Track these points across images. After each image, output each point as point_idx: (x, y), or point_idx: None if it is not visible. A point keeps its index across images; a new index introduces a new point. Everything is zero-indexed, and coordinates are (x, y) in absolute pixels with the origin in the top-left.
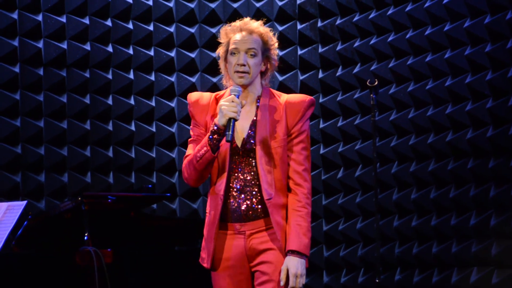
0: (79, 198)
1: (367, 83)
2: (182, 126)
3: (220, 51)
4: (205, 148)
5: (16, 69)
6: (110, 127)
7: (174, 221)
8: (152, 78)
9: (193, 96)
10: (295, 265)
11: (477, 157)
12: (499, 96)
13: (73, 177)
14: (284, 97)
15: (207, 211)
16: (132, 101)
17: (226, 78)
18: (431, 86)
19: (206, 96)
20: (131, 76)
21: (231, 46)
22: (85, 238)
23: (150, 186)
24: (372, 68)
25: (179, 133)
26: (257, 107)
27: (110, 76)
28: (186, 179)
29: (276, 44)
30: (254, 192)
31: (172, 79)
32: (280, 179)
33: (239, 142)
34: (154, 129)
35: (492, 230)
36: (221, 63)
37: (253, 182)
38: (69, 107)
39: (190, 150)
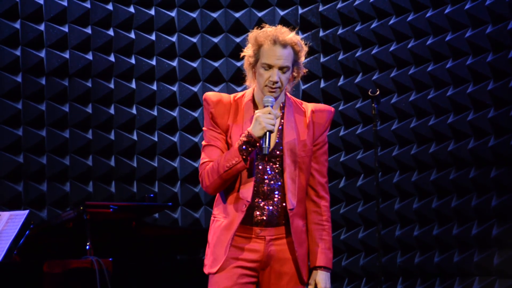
0: (81, 208)
1: (369, 92)
2: (184, 135)
3: (249, 54)
4: (236, 159)
5: (19, 79)
6: (112, 137)
7: (176, 230)
8: (154, 87)
9: (213, 96)
10: (324, 280)
11: (479, 166)
12: (500, 106)
13: (75, 186)
14: (307, 106)
15: (218, 216)
16: (134, 111)
17: (250, 80)
18: (433, 95)
19: (226, 98)
20: (133, 85)
21: (264, 60)
22: (87, 247)
23: (152, 195)
24: (374, 77)
25: (181, 143)
26: (282, 114)
27: (112, 86)
28: (207, 187)
29: (305, 52)
30: (277, 199)
31: (174, 88)
32: (303, 189)
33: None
34: (156, 139)
35: (494, 239)
36: (249, 69)
37: (277, 189)
38: (71, 116)
39: (209, 155)
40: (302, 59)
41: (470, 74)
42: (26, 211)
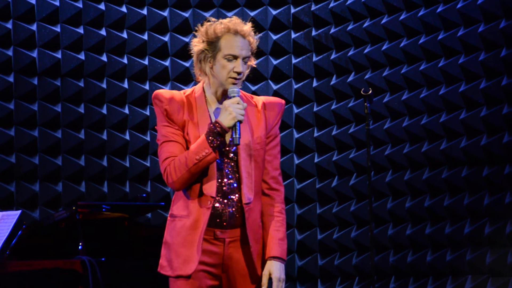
0: (74, 208)
1: (361, 91)
2: None
3: (203, 47)
4: (206, 151)
5: (10, 79)
6: (104, 137)
7: None
8: (147, 87)
9: (165, 93)
10: (278, 270)
11: (471, 165)
12: (493, 105)
13: (67, 186)
14: (257, 99)
15: (179, 215)
16: (126, 111)
17: (203, 74)
18: (425, 94)
19: (177, 94)
20: (126, 85)
21: (228, 51)
22: (80, 247)
23: (144, 195)
24: (366, 77)
25: None
26: None
27: (104, 86)
28: (174, 183)
29: (256, 44)
30: (236, 198)
31: (167, 88)
32: (259, 183)
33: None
34: (148, 139)
35: (487, 238)
36: (204, 62)
37: (235, 186)
38: (63, 116)
39: (171, 151)
40: (254, 51)
41: (463, 73)
42: (19, 212)
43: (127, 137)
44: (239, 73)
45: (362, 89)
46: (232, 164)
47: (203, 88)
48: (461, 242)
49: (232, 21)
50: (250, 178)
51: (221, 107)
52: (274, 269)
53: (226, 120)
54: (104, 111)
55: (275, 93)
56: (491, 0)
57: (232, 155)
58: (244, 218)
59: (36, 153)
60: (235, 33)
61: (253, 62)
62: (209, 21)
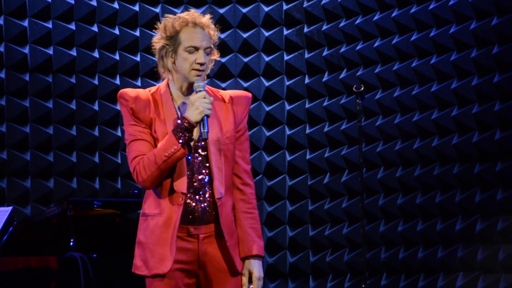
0: (65, 204)
1: (353, 88)
2: None
3: (164, 43)
4: (175, 147)
5: (2, 75)
6: (96, 133)
7: None
8: (139, 83)
9: (130, 92)
10: (258, 269)
11: (463, 162)
12: (484, 102)
13: (59, 183)
14: (224, 93)
15: (151, 213)
16: (117, 107)
17: (166, 71)
18: (417, 91)
19: (143, 92)
20: (117, 81)
21: (188, 43)
22: (71, 244)
23: (136, 191)
24: (358, 73)
25: None
26: None
27: (96, 82)
28: (144, 181)
29: (217, 36)
30: (207, 193)
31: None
32: (230, 177)
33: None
34: None
35: (478, 235)
36: (166, 57)
37: (206, 181)
38: (55, 112)
39: (140, 149)
40: (216, 43)
41: (454, 70)
42: (10, 208)
43: (119, 133)
44: (201, 64)
45: (354, 86)
46: (202, 159)
47: (167, 84)
48: (452, 239)
49: (190, 14)
50: (220, 173)
51: (188, 102)
52: (255, 268)
53: (193, 115)
54: (96, 107)
55: (267, 90)
56: None
57: (201, 150)
58: (217, 213)
59: (28, 149)
60: (194, 25)
61: (216, 56)
62: (166, 17)
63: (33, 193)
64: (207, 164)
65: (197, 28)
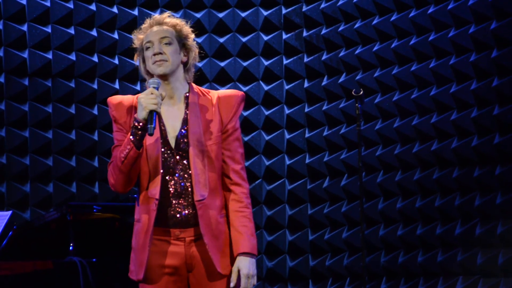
0: (64, 208)
1: (353, 92)
2: None
3: (137, 53)
4: (128, 147)
5: (1, 79)
6: (95, 137)
7: None
8: (138, 88)
9: (114, 99)
10: (247, 266)
11: (462, 166)
12: (483, 106)
13: (58, 187)
14: (213, 93)
15: (136, 218)
16: None
17: (148, 78)
18: (416, 95)
19: (128, 98)
20: (117, 86)
21: (145, 41)
22: (71, 248)
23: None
24: (358, 77)
25: None
26: (186, 104)
27: (95, 86)
28: (114, 186)
29: (192, 35)
30: (191, 196)
31: None
32: (215, 179)
33: (172, 143)
34: None
35: (478, 239)
36: (140, 67)
37: (189, 184)
38: (54, 117)
39: (114, 156)
40: (192, 42)
41: (453, 74)
42: (9, 212)
43: None
44: (157, 54)
45: (353, 90)
46: (185, 162)
47: None
48: (452, 242)
49: (151, 19)
50: (203, 175)
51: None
52: (243, 265)
53: (139, 112)
54: (95, 111)
55: (266, 94)
56: (482, 1)
57: (183, 152)
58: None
59: (27, 153)
60: (150, 26)
61: (194, 53)
62: (140, 29)
63: (33, 198)
64: (189, 166)
65: (153, 27)
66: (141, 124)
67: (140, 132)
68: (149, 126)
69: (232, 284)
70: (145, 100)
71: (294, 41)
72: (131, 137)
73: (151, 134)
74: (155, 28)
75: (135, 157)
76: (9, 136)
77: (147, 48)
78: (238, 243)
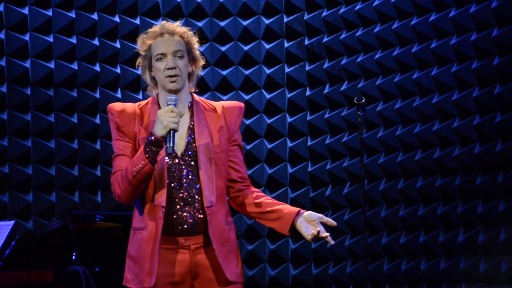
0: (67, 218)
1: (355, 100)
2: None
3: (141, 61)
4: (142, 162)
5: (4, 89)
6: (98, 146)
7: None
8: (140, 97)
9: (116, 106)
10: (314, 214)
11: (465, 174)
12: (485, 113)
13: (61, 196)
14: (216, 103)
15: (137, 227)
16: None
17: (151, 87)
18: (418, 103)
19: (130, 106)
20: (119, 95)
21: (156, 52)
22: (73, 257)
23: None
24: (359, 85)
25: None
26: (192, 113)
27: (97, 95)
28: (119, 197)
29: (197, 44)
30: (198, 205)
31: None
32: (221, 188)
33: (179, 151)
34: None
35: (480, 246)
36: (145, 74)
37: (196, 191)
38: (56, 126)
39: (119, 165)
40: (196, 48)
41: (455, 82)
42: (12, 222)
43: None
44: (171, 68)
45: (355, 98)
46: (192, 169)
47: (156, 97)
48: (455, 250)
49: (161, 25)
50: (211, 182)
51: (156, 116)
52: (313, 215)
53: (158, 129)
54: (98, 120)
55: (268, 102)
56: (484, 9)
57: (191, 160)
58: (207, 222)
59: (30, 163)
60: (161, 35)
61: (200, 63)
62: (146, 33)
63: (35, 207)
64: (197, 174)
65: (164, 36)
66: (158, 141)
67: (155, 148)
68: (168, 145)
69: (326, 234)
70: (166, 118)
71: (296, 49)
72: (146, 153)
73: (169, 154)
74: (166, 37)
75: (149, 173)
76: (11, 145)
77: (159, 59)
78: (288, 211)
